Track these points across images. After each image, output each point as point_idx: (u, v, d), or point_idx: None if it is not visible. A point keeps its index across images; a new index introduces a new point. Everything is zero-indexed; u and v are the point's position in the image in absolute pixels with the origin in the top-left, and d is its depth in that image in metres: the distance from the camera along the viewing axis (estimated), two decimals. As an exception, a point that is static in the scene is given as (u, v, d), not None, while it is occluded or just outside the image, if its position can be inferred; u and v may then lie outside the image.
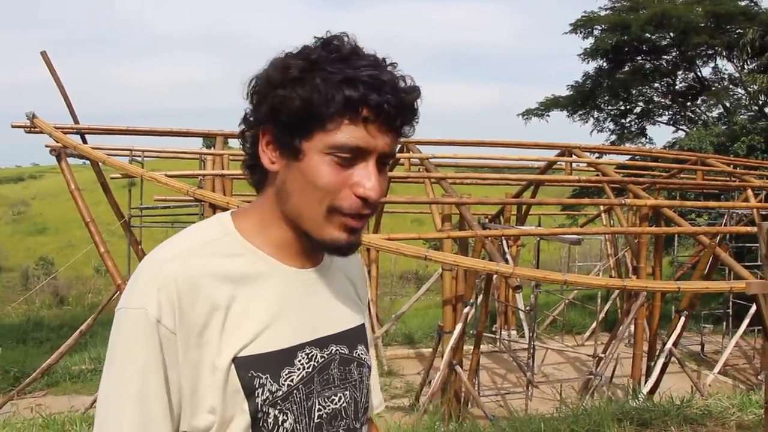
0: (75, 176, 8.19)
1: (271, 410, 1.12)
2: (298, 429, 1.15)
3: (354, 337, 1.30)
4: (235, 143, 9.34)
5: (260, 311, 1.15)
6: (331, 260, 1.30)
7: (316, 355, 1.20)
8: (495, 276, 9.27)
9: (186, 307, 1.08)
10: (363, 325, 1.35)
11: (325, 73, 1.10)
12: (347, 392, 1.24)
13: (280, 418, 1.13)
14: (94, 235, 7.74)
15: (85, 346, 11.15)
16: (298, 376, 1.16)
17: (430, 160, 9.53)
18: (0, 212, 36.42)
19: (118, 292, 7.91)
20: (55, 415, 5.84)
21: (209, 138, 10.80)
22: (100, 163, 8.42)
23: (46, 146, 8.14)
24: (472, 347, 9.13)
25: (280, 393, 1.13)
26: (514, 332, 12.83)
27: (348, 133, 1.10)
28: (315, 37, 1.17)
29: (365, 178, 1.12)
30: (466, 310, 8.01)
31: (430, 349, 9.84)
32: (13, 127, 8.28)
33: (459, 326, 7.81)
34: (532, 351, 9.41)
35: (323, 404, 1.19)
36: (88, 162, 9.50)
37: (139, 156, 8.72)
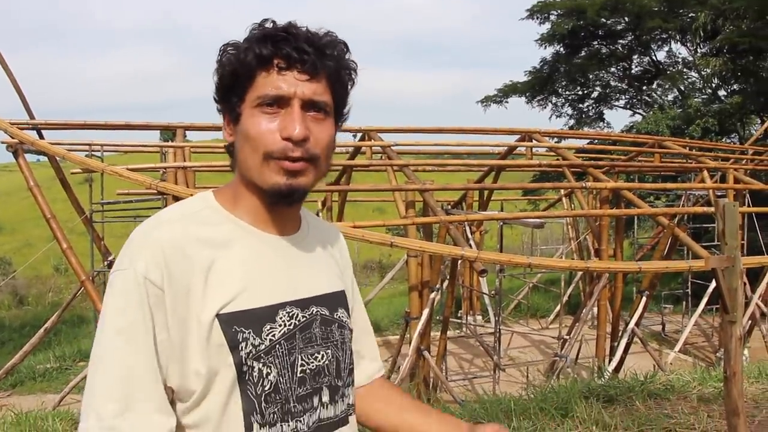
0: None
1: (255, 363, 1.19)
2: (282, 382, 1.22)
3: (334, 300, 1.37)
4: (195, 135, 9.24)
5: (241, 272, 1.23)
6: (308, 230, 1.39)
7: (297, 314, 1.27)
8: (460, 261, 9.35)
9: (172, 266, 1.16)
10: (343, 291, 1.42)
11: (246, 40, 1.24)
12: (329, 351, 1.32)
13: (264, 371, 1.20)
14: (56, 232, 7.60)
15: (49, 345, 10.99)
16: (279, 332, 1.23)
17: (391, 147, 9.55)
18: (-47, 212, 35.54)
19: (83, 289, 7.79)
20: (26, 412, 5.76)
21: (167, 131, 10.65)
22: (58, 159, 8.28)
23: (2, 143, 7.95)
24: (438, 333, 9.21)
25: (263, 347, 1.20)
26: (479, 317, 12.95)
27: (266, 84, 1.22)
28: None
29: (288, 121, 1.22)
30: (432, 295, 8.06)
31: (397, 337, 9.89)
32: (-35, 123, 8.06)
33: (426, 312, 7.86)
34: (498, 335, 9.51)
35: (306, 360, 1.26)
36: (43, 158, 9.33)
37: (99, 151, 8.58)
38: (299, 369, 1.25)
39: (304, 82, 1.22)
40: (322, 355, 1.29)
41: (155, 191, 6.85)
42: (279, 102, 1.22)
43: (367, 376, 1.53)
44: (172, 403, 1.18)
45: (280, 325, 1.23)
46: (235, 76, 1.23)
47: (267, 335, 1.20)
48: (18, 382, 9.74)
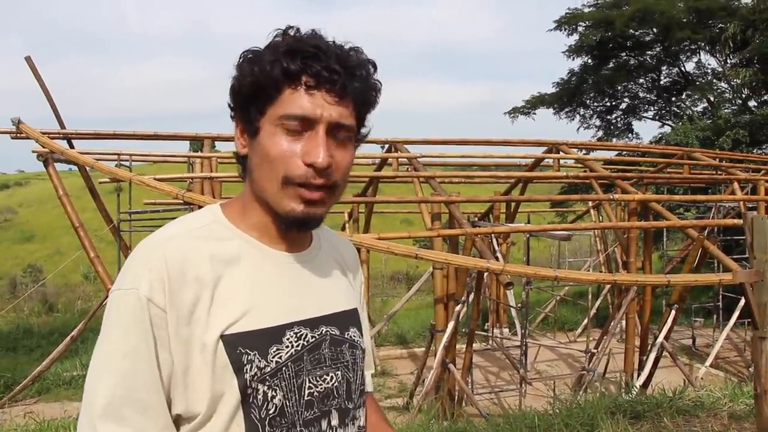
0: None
1: (260, 386, 1.14)
2: (288, 405, 1.17)
3: (346, 319, 1.32)
4: (222, 146, 9.27)
5: (247, 290, 1.18)
6: (320, 245, 1.35)
7: (306, 335, 1.22)
8: (486, 274, 9.28)
9: (176, 286, 1.11)
10: (356, 309, 1.37)
11: (272, 49, 1.17)
12: (339, 372, 1.26)
13: (269, 394, 1.15)
14: (83, 240, 7.69)
15: (76, 352, 11.05)
16: (286, 353, 1.18)
17: (418, 159, 9.53)
18: (-14, 220, 36.18)
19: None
20: (48, 420, 5.80)
21: (196, 141, 10.74)
22: (87, 168, 8.38)
23: (33, 152, 8.06)
24: (464, 345, 9.13)
25: (269, 369, 1.15)
26: (506, 330, 12.83)
27: (292, 102, 1.15)
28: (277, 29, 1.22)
29: (312, 146, 1.15)
30: (457, 308, 8.02)
31: (423, 349, 9.84)
32: (-1, 133, 8.18)
33: (451, 324, 7.81)
34: (524, 348, 9.43)
35: (314, 383, 1.21)
36: (74, 168, 9.45)
37: (127, 160, 8.67)
38: (307, 392, 1.20)
39: (332, 104, 1.16)
40: (331, 377, 1.24)
41: (182, 201, 6.90)
42: (304, 123, 1.15)
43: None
44: (176, 424, 1.14)
45: (287, 347, 1.18)
46: (257, 88, 1.16)
47: (273, 357, 1.16)
48: (44, 390, 9.80)
